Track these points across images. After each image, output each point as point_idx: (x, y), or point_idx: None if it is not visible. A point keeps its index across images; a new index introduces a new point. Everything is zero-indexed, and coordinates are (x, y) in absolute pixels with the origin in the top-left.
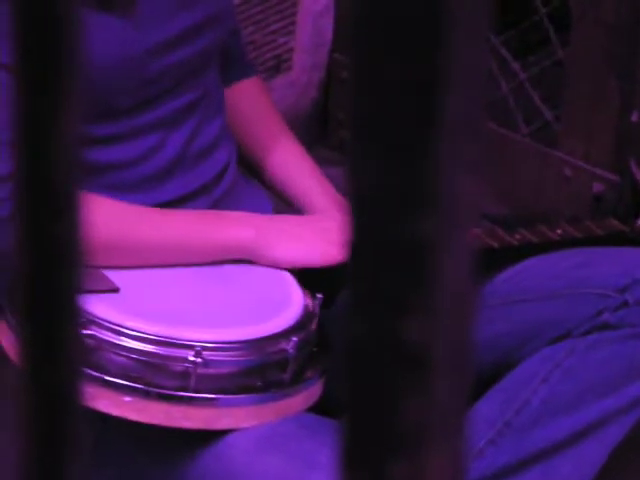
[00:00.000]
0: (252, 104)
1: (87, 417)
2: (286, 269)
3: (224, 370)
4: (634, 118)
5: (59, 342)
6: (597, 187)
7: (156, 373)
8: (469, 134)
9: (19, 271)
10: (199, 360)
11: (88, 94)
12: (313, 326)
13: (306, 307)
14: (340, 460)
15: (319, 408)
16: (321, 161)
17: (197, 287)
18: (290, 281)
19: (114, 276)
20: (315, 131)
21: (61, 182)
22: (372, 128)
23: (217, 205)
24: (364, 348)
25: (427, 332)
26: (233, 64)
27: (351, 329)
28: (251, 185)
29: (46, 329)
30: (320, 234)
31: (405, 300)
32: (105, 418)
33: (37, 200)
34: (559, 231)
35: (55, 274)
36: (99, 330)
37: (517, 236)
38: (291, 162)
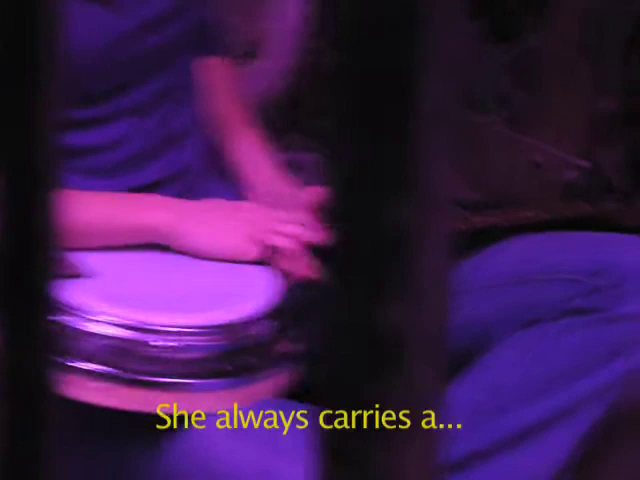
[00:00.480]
0: (213, 83)
1: (61, 403)
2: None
3: (195, 355)
4: (605, 105)
5: (32, 329)
6: (569, 174)
7: (126, 358)
8: (446, 122)
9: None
10: (170, 345)
11: (65, 78)
12: (287, 310)
13: (280, 291)
14: (317, 450)
15: (291, 393)
16: (294, 147)
17: (168, 271)
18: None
19: (83, 261)
20: (289, 117)
21: (39, 167)
22: (350, 115)
23: (190, 192)
24: (340, 334)
25: (404, 317)
26: (202, 42)
27: (327, 315)
28: (224, 174)
29: (19, 315)
30: (244, 228)
31: (382, 285)
32: (76, 405)
33: (14, 185)
34: (529, 214)
35: (31, 260)
36: (68, 316)
37: (487, 219)
38: (243, 149)
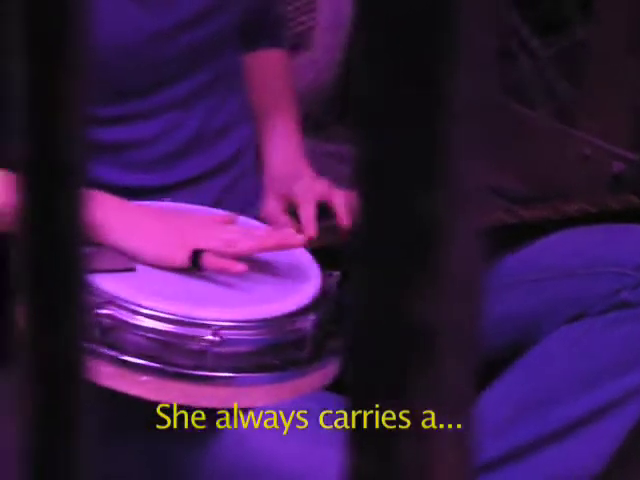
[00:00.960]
0: (265, 76)
1: (92, 391)
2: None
3: (241, 349)
4: None
5: (62, 316)
6: (617, 166)
7: (173, 352)
8: (478, 115)
9: (24, 247)
10: (216, 339)
11: (101, 75)
12: (330, 304)
13: (323, 285)
14: (348, 440)
15: (337, 386)
16: (341, 140)
17: None
18: (307, 259)
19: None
20: (335, 110)
21: (68, 162)
22: (381, 106)
23: (237, 184)
24: (370, 328)
25: (434, 312)
26: (259, 32)
27: (358, 308)
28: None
29: (50, 303)
30: (176, 234)
31: (411, 279)
32: (123, 398)
33: (44, 179)
34: (576, 207)
35: (60, 251)
36: (116, 309)
37: (534, 212)
38: (277, 144)
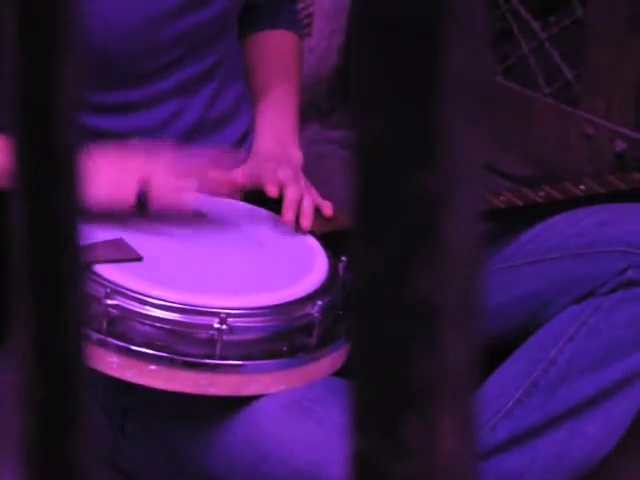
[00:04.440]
0: (273, 49)
1: (93, 382)
2: (310, 233)
3: (249, 336)
4: None
5: (63, 307)
6: (619, 145)
7: (181, 341)
8: (471, 88)
9: (19, 236)
10: (224, 327)
11: (102, 61)
12: (338, 289)
13: (330, 270)
14: (351, 421)
15: (346, 372)
16: (345, 126)
17: (219, 253)
18: (314, 244)
19: (136, 244)
20: (337, 95)
21: (61, 148)
22: (376, 82)
23: None
24: (372, 304)
25: (434, 287)
26: (273, 13)
27: (359, 289)
28: None
29: (47, 292)
30: (133, 173)
31: (411, 255)
32: (132, 388)
33: (39, 166)
34: (582, 187)
35: (57, 238)
36: (124, 300)
37: (541, 193)
38: (269, 120)
